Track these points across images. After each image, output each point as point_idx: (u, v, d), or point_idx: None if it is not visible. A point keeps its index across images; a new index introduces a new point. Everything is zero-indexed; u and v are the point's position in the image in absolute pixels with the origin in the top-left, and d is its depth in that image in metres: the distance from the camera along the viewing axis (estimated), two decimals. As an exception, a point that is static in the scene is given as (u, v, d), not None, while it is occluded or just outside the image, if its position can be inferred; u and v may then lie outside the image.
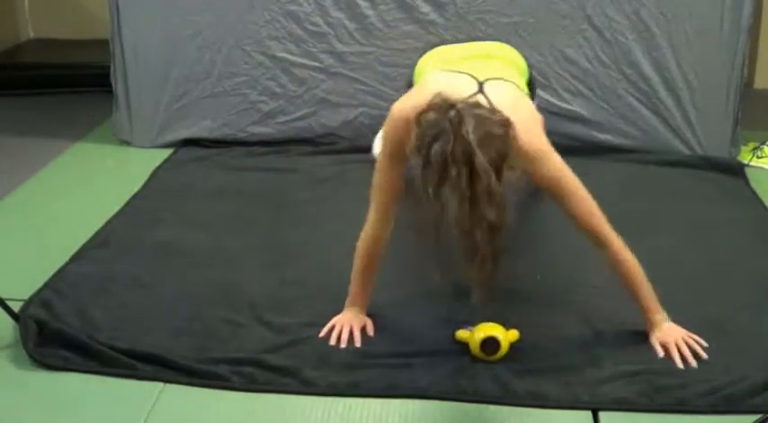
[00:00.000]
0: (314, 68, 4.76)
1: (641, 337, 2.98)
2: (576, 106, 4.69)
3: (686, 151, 4.69)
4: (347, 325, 3.00)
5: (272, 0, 4.65)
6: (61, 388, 2.73)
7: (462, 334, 2.91)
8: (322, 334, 2.98)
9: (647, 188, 4.30)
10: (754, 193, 4.30)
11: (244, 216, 3.94)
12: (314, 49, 4.73)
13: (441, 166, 2.39)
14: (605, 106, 4.69)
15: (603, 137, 4.68)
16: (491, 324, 2.87)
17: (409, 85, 3.39)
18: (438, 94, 2.53)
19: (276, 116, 4.83)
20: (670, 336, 2.90)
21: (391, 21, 4.61)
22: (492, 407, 2.67)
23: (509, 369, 2.80)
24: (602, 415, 2.64)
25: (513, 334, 2.89)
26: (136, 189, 4.23)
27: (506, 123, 2.49)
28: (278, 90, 4.80)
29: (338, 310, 3.09)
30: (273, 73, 4.78)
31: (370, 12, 4.62)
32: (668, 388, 2.71)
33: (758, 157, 4.68)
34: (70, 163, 4.67)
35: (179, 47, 4.75)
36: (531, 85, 3.50)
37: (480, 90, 2.80)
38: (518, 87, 3.04)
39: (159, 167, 4.55)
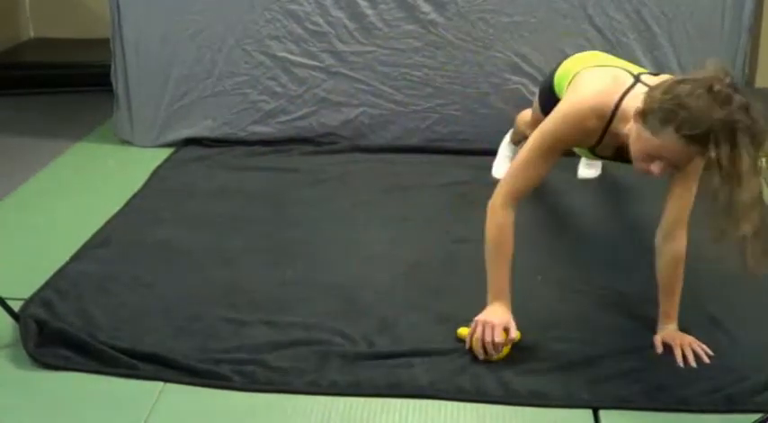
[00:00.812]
0: (314, 68, 4.76)
1: (641, 336, 2.98)
2: (578, 106, 4.69)
3: (687, 150, 4.69)
4: (489, 326, 2.84)
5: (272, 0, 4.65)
6: (61, 388, 2.72)
7: (464, 331, 2.91)
8: (467, 345, 2.89)
9: (646, 187, 4.29)
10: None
11: (245, 216, 3.93)
12: (314, 49, 4.73)
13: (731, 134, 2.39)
14: (606, 106, 4.69)
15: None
16: None
17: (547, 92, 3.43)
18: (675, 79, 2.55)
19: (277, 115, 4.83)
20: (677, 338, 2.91)
21: (392, 20, 4.61)
22: (493, 406, 2.67)
23: (510, 368, 2.80)
24: (603, 413, 2.63)
25: (517, 335, 2.89)
26: (137, 189, 4.23)
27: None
28: (278, 89, 4.80)
29: (339, 310, 3.10)
30: (274, 72, 4.78)
31: (370, 11, 4.62)
32: (669, 387, 2.71)
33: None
34: (71, 163, 4.67)
35: (180, 46, 4.75)
36: None
37: (637, 81, 2.84)
38: None
39: (160, 167, 4.55)
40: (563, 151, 2.93)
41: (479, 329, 2.84)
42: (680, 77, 2.55)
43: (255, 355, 2.86)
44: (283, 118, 4.84)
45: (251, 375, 2.77)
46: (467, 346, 2.87)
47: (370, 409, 2.64)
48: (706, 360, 2.84)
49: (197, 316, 3.09)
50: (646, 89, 2.64)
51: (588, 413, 2.64)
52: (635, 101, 2.65)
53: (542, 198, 4.06)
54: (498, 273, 2.91)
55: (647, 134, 2.53)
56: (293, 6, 4.66)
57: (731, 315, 3.11)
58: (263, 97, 4.82)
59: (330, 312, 3.12)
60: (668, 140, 2.48)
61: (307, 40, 4.71)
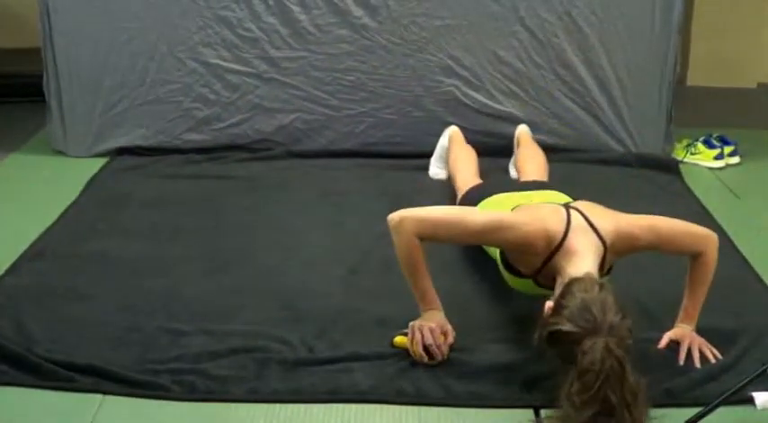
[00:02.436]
0: (247, 74, 4.75)
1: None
2: (510, 107, 4.73)
3: (620, 149, 4.75)
4: (427, 330, 2.87)
5: (204, 6, 4.63)
6: (-1, 403, 2.70)
7: (401, 340, 2.92)
8: (411, 352, 2.88)
9: (581, 186, 4.30)
10: (688, 189, 4.36)
11: (181, 224, 3.92)
12: (247, 55, 4.71)
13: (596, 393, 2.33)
14: (539, 106, 4.74)
15: (538, 137, 4.71)
16: None
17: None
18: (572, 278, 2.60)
19: (211, 123, 4.82)
20: (687, 337, 2.94)
21: (324, 25, 4.62)
22: (434, 408, 2.68)
23: (450, 371, 2.81)
24: (544, 412, 2.65)
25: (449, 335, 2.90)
26: (71, 199, 4.19)
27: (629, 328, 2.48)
28: (212, 97, 4.78)
29: (279, 316, 3.10)
30: (207, 79, 4.77)
31: (302, 16, 4.61)
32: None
33: (692, 154, 4.74)
34: (5, 175, 4.62)
35: (111, 54, 4.71)
36: None
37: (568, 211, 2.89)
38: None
39: (95, 177, 4.51)
40: (498, 243, 2.94)
41: (418, 334, 2.85)
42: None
43: (194, 364, 2.84)
44: (217, 125, 4.83)
45: (190, 385, 2.75)
46: (411, 350, 2.87)
47: (311, 415, 2.64)
48: (713, 360, 2.88)
49: (135, 326, 3.06)
50: (580, 220, 2.82)
51: (529, 412, 2.66)
52: (576, 238, 2.77)
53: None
54: (420, 284, 2.92)
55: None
56: (225, 13, 4.65)
57: (666, 309, 3.14)
58: (197, 105, 4.80)
59: (269, 319, 3.12)
60: None
61: (239, 47, 4.69)
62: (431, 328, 2.85)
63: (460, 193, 3.72)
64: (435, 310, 2.94)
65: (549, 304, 2.58)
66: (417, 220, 2.84)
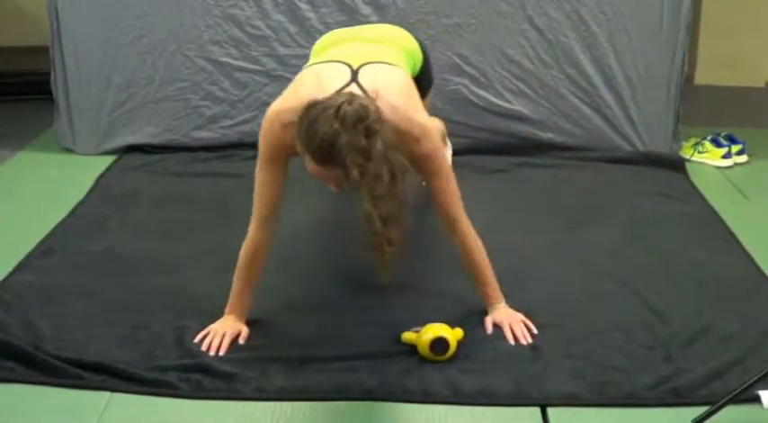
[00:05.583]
0: (256, 72, 4.75)
1: (582, 328, 3.03)
2: (519, 106, 4.72)
3: (628, 148, 4.74)
4: (220, 333, 2.98)
5: (213, 4, 4.64)
6: (6, 400, 2.70)
7: (409, 336, 2.92)
8: (196, 340, 2.97)
9: (589, 184, 4.34)
10: (694, 187, 4.35)
11: (189, 222, 3.92)
12: (255, 53, 4.72)
13: (339, 162, 2.49)
14: (547, 105, 4.73)
15: (546, 135, 4.72)
16: (438, 324, 2.88)
17: None
18: (311, 100, 2.61)
19: (219, 120, 4.82)
20: (506, 317, 3.02)
21: (332, 23, 4.61)
22: (441, 407, 2.68)
23: (456, 368, 2.82)
24: (551, 410, 2.66)
25: (459, 332, 2.91)
26: (80, 197, 4.20)
27: (379, 111, 2.57)
28: (220, 94, 4.79)
29: (285, 314, 3.10)
30: (215, 77, 4.77)
31: (311, 14, 4.62)
32: (614, 382, 2.74)
33: (699, 153, 4.74)
34: (13, 172, 4.63)
35: (120, 53, 4.72)
36: (426, 68, 3.56)
37: (354, 78, 2.85)
38: (398, 68, 3.09)
39: (103, 175, 4.52)
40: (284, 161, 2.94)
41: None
42: (313, 100, 2.60)
43: (202, 362, 2.85)
44: (226, 123, 4.83)
45: (198, 383, 2.76)
46: (419, 347, 2.87)
47: (318, 413, 2.65)
48: (529, 339, 2.96)
49: (143, 324, 3.07)
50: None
51: (536, 411, 2.66)
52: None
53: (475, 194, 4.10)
54: None
55: (306, 160, 2.63)
56: (234, 11, 4.66)
57: (672, 308, 3.16)
58: (205, 102, 4.81)
59: (275, 317, 3.12)
60: (310, 166, 2.61)
61: (248, 45, 4.70)
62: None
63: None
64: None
65: None
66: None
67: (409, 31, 3.53)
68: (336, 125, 2.48)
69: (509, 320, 3.01)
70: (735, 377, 2.73)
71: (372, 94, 2.70)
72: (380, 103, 2.62)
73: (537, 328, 3.03)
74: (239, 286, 3.05)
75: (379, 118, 2.55)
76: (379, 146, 2.49)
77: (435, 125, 3.23)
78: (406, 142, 2.73)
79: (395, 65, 3.08)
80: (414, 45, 3.47)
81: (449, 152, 4.36)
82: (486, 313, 3.07)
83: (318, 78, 2.90)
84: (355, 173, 2.48)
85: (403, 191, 2.54)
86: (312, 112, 2.55)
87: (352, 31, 3.55)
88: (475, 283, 3.06)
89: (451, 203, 2.95)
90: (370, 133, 2.50)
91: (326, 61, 3.06)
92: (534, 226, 3.87)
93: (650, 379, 2.75)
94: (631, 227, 3.85)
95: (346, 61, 2.95)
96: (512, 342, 2.94)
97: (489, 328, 3.01)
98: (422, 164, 2.85)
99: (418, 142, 2.82)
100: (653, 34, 4.61)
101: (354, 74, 2.87)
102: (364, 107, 2.53)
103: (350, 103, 2.52)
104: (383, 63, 3.03)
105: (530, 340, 2.96)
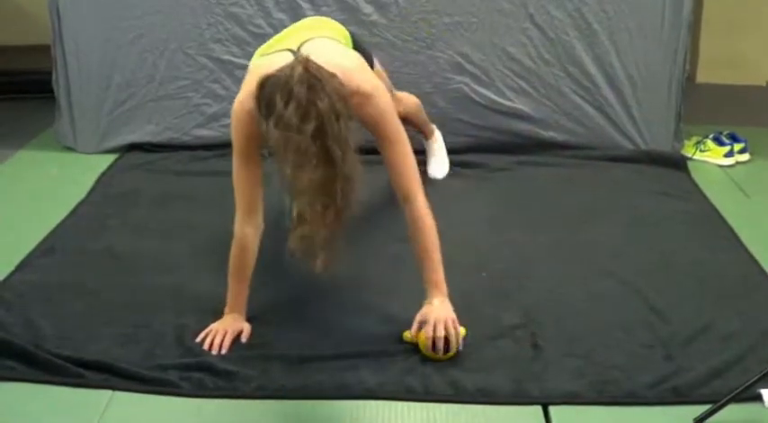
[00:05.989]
0: (257, 70, 4.74)
1: (583, 327, 3.03)
2: (520, 104, 4.72)
3: (630, 146, 4.74)
4: (222, 331, 2.98)
5: (214, 3, 4.64)
6: (7, 399, 2.70)
7: (410, 334, 2.92)
8: (198, 339, 2.97)
9: (590, 183, 4.33)
10: (696, 186, 4.34)
11: (190, 220, 3.92)
12: (257, 51, 4.72)
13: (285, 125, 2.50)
14: (549, 103, 4.72)
15: (547, 134, 4.71)
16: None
17: None
18: (263, 75, 2.61)
19: (220, 119, 4.81)
20: (433, 314, 2.86)
21: (333, 22, 4.61)
22: (443, 405, 2.68)
23: (458, 367, 2.82)
24: (552, 409, 2.66)
25: (462, 331, 2.90)
26: (81, 196, 4.20)
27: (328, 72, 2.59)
28: (221, 92, 4.78)
29: (286, 313, 3.10)
30: (217, 75, 4.77)
31: (312, 13, 4.60)
32: (615, 380, 2.75)
33: (701, 151, 4.73)
34: (14, 171, 4.63)
35: (121, 51, 4.72)
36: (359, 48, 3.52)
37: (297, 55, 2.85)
38: (337, 41, 3.17)
39: (104, 173, 4.52)
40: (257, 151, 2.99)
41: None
42: (264, 75, 2.61)
43: (203, 360, 2.85)
44: (227, 121, 4.75)
45: (198, 381, 2.76)
46: (420, 345, 2.87)
47: (318, 411, 2.65)
48: (453, 346, 2.84)
49: (144, 323, 3.08)
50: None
51: (538, 409, 2.66)
52: None
53: (475, 195, 4.10)
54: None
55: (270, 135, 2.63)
56: (235, 9, 4.65)
57: (673, 307, 3.16)
58: (206, 100, 4.81)
59: (276, 316, 3.13)
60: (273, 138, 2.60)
61: (249, 43, 4.69)
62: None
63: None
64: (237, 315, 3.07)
65: None
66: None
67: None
68: (291, 84, 2.49)
69: (435, 320, 2.84)
70: (735, 376, 2.73)
71: (319, 60, 2.69)
72: (329, 68, 2.62)
73: (538, 326, 3.03)
74: (235, 285, 3.06)
75: (330, 76, 2.56)
76: (327, 102, 2.49)
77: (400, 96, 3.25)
78: (358, 104, 2.76)
79: (334, 39, 3.17)
80: (345, 33, 3.47)
81: (439, 137, 4.37)
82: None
83: (270, 62, 2.86)
84: (311, 127, 2.47)
85: (353, 163, 2.59)
86: (266, 83, 2.57)
87: (286, 30, 3.53)
88: (421, 267, 2.94)
89: (408, 176, 2.92)
90: (321, 90, 2.50)
91: (271, 53, 3.09)
92: (535, 224, 3.86)
93: (651, 378, 2.75)
94: (632, 225, 3.85)
95: (288, 48, 2.99)
96: (429, 344, 2.83)
97: (415, 329, 2.88)
98: (375, 127, 2.89)
99: (369, 100, 2.84)
100: (654, 33, 4.60)
101: (297, 52, 2.87)
102: (316, 67, 2.55)
103: (300, 66, 2.53)
104: (322, 38, 3.11)
105: (453, 346, 2.84)
